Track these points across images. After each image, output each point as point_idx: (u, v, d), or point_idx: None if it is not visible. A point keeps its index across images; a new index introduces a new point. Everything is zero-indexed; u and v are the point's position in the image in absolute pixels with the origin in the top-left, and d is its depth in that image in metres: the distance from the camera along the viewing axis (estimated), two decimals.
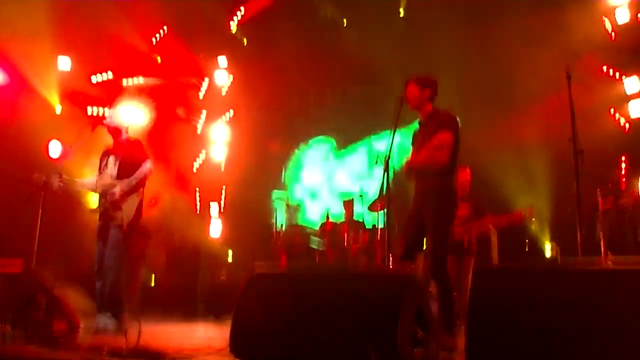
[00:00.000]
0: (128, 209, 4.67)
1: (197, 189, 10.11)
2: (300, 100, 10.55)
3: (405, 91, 4.16)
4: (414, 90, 4.11)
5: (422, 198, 3.98)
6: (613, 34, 7.78)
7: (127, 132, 5.00)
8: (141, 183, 4.79)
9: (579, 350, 2.00)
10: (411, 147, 4.21)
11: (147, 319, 6.73)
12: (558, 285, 2.18)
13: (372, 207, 7.67)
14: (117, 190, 4.65)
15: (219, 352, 3.09)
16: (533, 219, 5.84)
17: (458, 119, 4.07)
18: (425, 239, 3.96)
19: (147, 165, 4.75)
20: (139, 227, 7.77)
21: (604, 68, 7.86)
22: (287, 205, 8.30)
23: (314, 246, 7.71)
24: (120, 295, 4.65)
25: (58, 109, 8.98)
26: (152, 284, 8.29)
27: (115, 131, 4.93)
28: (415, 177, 4.05)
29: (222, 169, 10.13)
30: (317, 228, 8.11)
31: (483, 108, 7.81)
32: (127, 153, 4.80)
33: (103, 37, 9.19)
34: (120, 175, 4.75)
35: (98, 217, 4.81)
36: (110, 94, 9.34)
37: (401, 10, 9.41)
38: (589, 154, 4.26)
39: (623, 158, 7.35)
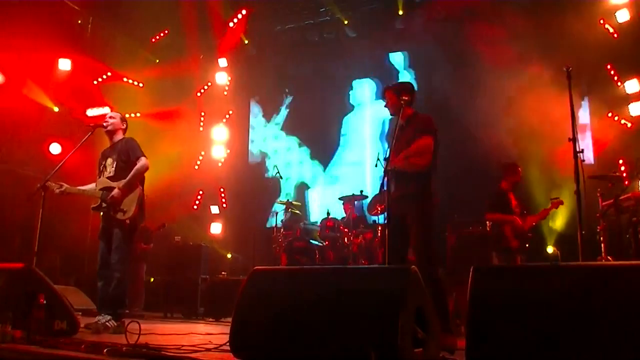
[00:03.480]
0: (128, 206, 4.70)
1: (201, 191, 10.13)
2: (301, 100, 10.56)
3: (384, 99, 4.31)
4: (391, 97, 4.25)
5: (403, 202, 4.01)
6: (615, 34, 7.79)
7: (123, 133, 5.04)
8: (138, 180, 4.81)
9: (580, 349, 2.00)
10: (387, 146, 4.28)
11: (147, 318, 6.78)
12: (558, 285, 2.18)
13: (371, 209, 7.67)
14: (116, 191, 4.68)
15: (219, 349, 3.09)
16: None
17: (434, 121, 4.16)
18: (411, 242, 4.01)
19: (142, 162, 4.79)
20: (141, 227, 7.88)
21: (608, 66, 7.86)
22: (288, 205, 8.28)
23: (314, 245, 7.71)
24: (123, 295, 4.67)
25: (56, 109, 9.00)
26: (152, 281, 8.32)
27: (112, 133, 4.98)
28: (395, 179, 4.07)
29: (222, 169, 10.15)
30: (317, 227, 8.11)
31: None
32: (123, 152, 4.84)
33: (103, 39, 9.22)
34: (117, 175, 4.78)
35: (101, 216, 4.83)
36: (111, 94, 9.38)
37: (400, 10, 9.42)
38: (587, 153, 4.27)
39: (620, 161, 7.36)
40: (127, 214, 4.69)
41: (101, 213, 4.82)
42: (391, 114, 4.31)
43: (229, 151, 10.22)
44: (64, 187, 4.80)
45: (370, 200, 7.87)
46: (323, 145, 10.32)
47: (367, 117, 9.97)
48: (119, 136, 5.01)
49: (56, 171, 4.86)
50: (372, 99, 9.96)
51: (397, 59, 9.81)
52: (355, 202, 7.99)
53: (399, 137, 4.18)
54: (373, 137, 9.83)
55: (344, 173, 10.01)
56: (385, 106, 4.32)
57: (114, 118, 5.02)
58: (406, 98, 4.17)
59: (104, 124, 5.00)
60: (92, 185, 4.95)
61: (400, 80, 4.59)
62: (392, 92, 4.27)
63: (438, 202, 4.10)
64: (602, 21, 7.90)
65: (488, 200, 5.99)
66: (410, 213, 3.97)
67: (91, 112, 9.34)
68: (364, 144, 9.92)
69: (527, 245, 5.88)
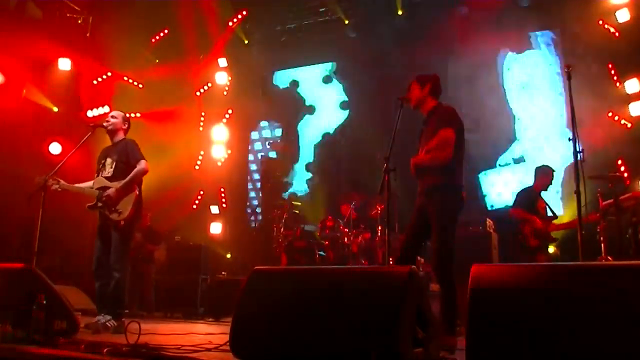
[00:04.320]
0: (124, 207, 4.69)
1: (202, 192, 10.12)
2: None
3: (407, 92, 4.17)
4: (415, 89, 4.13)
5: (426, 195, 3.94)
6: (617, 33, 7.79)
7: (124, 133, 5.04)
8: (136, 182, 4.80)
9: (580, 349, 2.00)
10: (418, 144, 4.18)
11: (147, 318, 6.77)
12: (558, 285, 2.18)
13: (370, 208, 7.67)
14: (112, 191, 4.68)
15: (219, 349, 3.09)
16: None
17: (458, 113, 4.04)
18: (430, 238, 3.94)
19: (142, 165, 4.77)
20: (148, 229, 7.92)
21: (609, 66, 7.86)
22: (289, 205, 8.28)
23: (314, 245, 7.71)
24: (122, 296, 4.66)
25: (56, 109, 8.98)
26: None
27: (113, 132, 4.98)
28: (420, 175, 4.03)
29: (222, 169, 10.14)
30: (317, 227, 8.11)
31: None
32: (122, 154, 4.83)
33: (103, 39, 9.22)
34: (115, 176, 4.78)
35: (98, 216, 4.84)
36: (111, 94, 9.38)
37: (399, 10, 9.44)
38: (589, 153, 4.26)
39: (619, 162, 7.36)
40: (122, 215, 4.68)
41: (98, 213, 4.83)
42: (412, 107, 4.15)
43: (229, 151, 10.21)
44: (60, 183, 4.81)
45: (371, 200, 7.86)
46: None
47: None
48: (120, 136, 5.00)
49: (56, 171, 4.86)
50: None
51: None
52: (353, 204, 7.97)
53: (423, 131, 4.13)
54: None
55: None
56: (406, 99, 4.14)
57: (115, 118, 5.02)
58: (428, 89, 4.09)
59: (105, 123, 5.01)
60: (89, 184, 4.95)
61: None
62: (416, 83, 4.14)
63: (464, 196, 3.94)
64: (601, 22, 7.90)
65: (517, 197, 6.22)
66: (431, 206, 3.87)
67: (91, 113, 9.32)
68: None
69: (548, 245, 6.05)
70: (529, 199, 6.12)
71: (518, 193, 6.31)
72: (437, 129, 3.91)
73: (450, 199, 3.87)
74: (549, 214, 6.17)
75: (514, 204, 6.17)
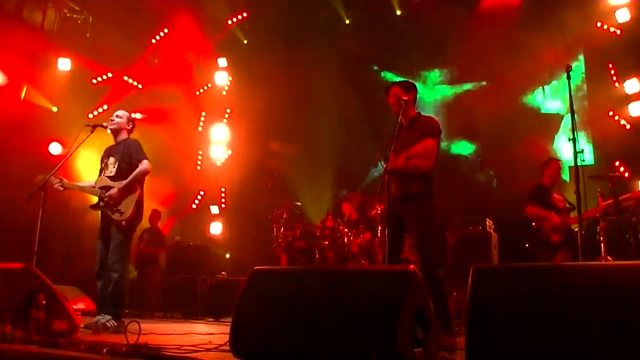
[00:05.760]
0: (126, 207, 4.70)
1: (202, 192, 10.12)
2: (300, 100, 10.53)
3: (388, 96, 4.19)
4: (399, 93, 4.13)
5: (404, 202, 3.97)
6: (618, 31, 7.79)
7: (128, 133, 5.03)
8: (138, 182, 4.80)
9: (579, 349, 2.00)
10: (391, 146, 4.08)
11: (147, 318, 6.77)
12: (558, 285, 2.18)
13: (370, 208, 7.66)
14: (114, 191, 4.68)
15: (219, 349, 3.09)
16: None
17: (438, 124, 4.09)
18: (411, 242, 3.98)
19: (144, 165, 4.78)
20: (155, 230, 7.92)
21: (609, 66, 7.86)
22: (289, 205, 8.27)
23: (314, 245, 7.70)
24: (122, 295, 4.66)
25: (55, 109, 8.98)
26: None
27: (116, 132, 4.98)
28: (395, 180, 4.03)
29: (222, 169, 10.15)
30: (317, 227, 8.11)
31: None
32: (125, 154, 4.84)
33: (103, 39, 9.22)
34: (118, 176, 4.78)
35: (100, 216, 4.84)
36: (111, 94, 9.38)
37: (398, 10, 9.46)
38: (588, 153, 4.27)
39: (617, 163, 7.36)
40: (123, 215, 4.68)
41: (100, 212, 4.83)
42: (395, 111, 4.17)
43: (230, 151, 10.20)
44: (63, 181, 4.82)
45: (371, 201, 7.85)
46: None
47: None
48: (123, 136, 5.01)
49: (56, 171, 4.86)
50: None
51: None
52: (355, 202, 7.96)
53: (400, 137, 4.10)
54: None
55: None
56: (388, 102, 4.20)
57: (120, 117, 5.03)
58: (413, 96, 4.14)
59: (104, 123, 5.02)
60: (92, 183, 4.96)
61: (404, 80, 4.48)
62: (400, 88, 4.16)
63: (438, 202, 4.01)
64: (599, 23, 7.91)
65: (528, 194, 5.96)
66: (410, 214, 3.92)
67: (92, 114, 9.33)
68: None
69: (570, 239, 5.73)
70: (542, 193, 5.89)
71: (530, 189, 6.04)
72: (422, 138, 3.96)
73: (427, 205, 3.94)
74: (567, 205, 5.91)
75: (527, 201, 5.90)
